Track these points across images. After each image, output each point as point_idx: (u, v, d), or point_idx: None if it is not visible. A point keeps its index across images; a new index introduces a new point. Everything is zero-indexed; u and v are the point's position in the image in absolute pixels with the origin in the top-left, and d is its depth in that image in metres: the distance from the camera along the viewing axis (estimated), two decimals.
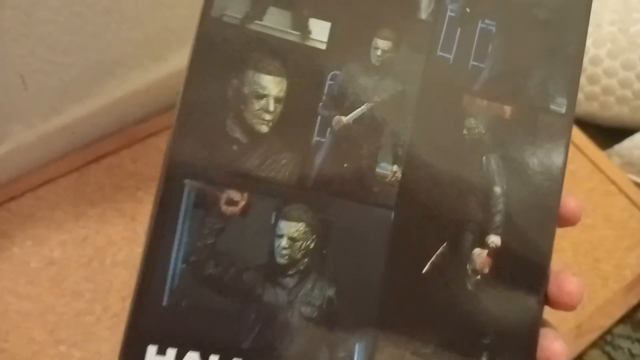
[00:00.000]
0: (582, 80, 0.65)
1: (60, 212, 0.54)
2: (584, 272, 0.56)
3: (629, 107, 0.65)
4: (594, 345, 0.55)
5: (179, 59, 0.60)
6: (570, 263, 0.56)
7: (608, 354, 0.55)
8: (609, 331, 0.56)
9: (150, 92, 0.60)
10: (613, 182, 0.62)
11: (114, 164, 0.57)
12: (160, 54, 0.58)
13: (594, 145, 0.64)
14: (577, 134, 0.64)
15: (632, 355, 0.56)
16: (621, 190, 0.61)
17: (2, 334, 0.49)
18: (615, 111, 0.65)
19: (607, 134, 0.67)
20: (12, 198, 0.55)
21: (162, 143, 0.59)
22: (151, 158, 0.58)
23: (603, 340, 0.56)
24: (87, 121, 0.57)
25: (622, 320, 0.56)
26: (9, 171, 0.56)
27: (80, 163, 0.57)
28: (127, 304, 0.51)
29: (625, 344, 0.56)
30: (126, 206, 0.55)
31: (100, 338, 0.49)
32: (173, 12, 0.56)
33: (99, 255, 0.53)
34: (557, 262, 0.26)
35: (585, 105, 0.66)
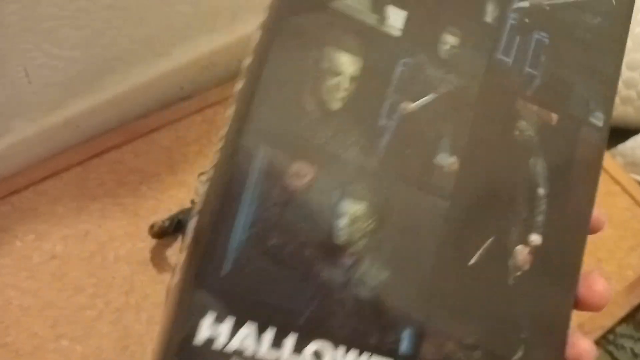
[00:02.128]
0: None
1: (62, 207, 0.54)
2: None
3: (633, 107, 0.64)
4: (596, 344, 0.55)
5: (182, 55, 0.60)
6: None
7: (611, 354, 0.55)
8: (611, 331, 0.56)
9: (153, 88, 0.60)
10: (617, 182, 0.62)
11: (116, 159, 0.57)
12: (163, 49, 0.58)
13: None
14: None
15: (635, 354, 0.56)
16: (624, 190, 0.61)
17: (3, 329, 0.49)
18: (619, 111, 0.65)
19: (611, 134, 0.66)
20: (14, 192, 0.55)
21: (164, 138, 0.59)
22: (153, 153, 0.58)
23: (606, 340, 0.56)
24: (90, 116, 0.57)
25: (625, 319, 0.56)
26: (11, 165, 0.56)
27: (82, 158, 0.57)
28: (129, 299, 0.51)
29: (628, 343, 0.56)
30: (128, 201, 0.55)
31: (101, 333, 0.49)
32: (176, 9, 0.56)
33: (100, 250, 0.53)
34: (586, 266, 0.27)
35: None
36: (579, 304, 0.27)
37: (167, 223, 0.53)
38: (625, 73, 0.63)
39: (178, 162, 0.58)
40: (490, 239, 0.26)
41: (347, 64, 0.25)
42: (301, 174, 0.24)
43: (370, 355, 0.24)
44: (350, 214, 0.24)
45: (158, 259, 0.53)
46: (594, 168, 0.27)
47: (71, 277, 0.51)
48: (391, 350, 0.24)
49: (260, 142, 0.24)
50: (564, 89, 0.28)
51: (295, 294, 0.24)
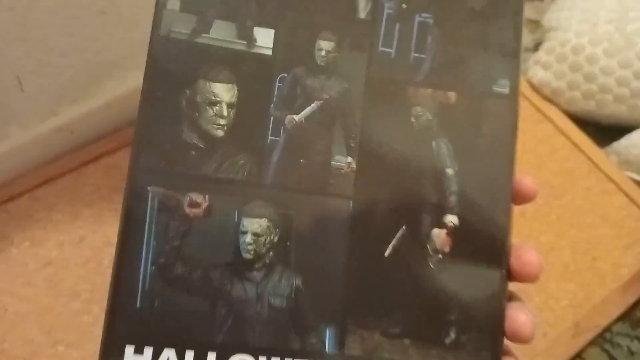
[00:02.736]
0: (579, 78, 0.65)
1: (58, 213, 0.55)
2: (582, 271, 0.56)
3: (626, 106, 0.65)
4: (593, 343, 0.55)
5: None
6: (568, 261, 0.56)
7: (607, 352, 0.55)
8: (608, 329, 0.56)
9: None
10: (611, 180, 0.62)
11: (111, 165, 0.57)
12: None
13: (592, 143, 0.64)
14: (575, 132, 0.64)
15: (632, 352, 0.56)
16: (619, 188, 0.61)
17: (0, 335, 0.49)
18: (612, 109, 0.65)
19: (605, 132, 0.67)
20: (10, 199, 0.55)
21: None
22: None
23: (602, 338, 0.56)
24: (84, 122, 0.57)
25: (621, 318, 0.56)
26: (7, 172, 0.56)
27: (77, 164, 0.57)
28: None
29: (624, 341, 0.56)
30: None
31: (98, 338, 0.49)
32: None
33: (96, 256, 0.53)
34: (517, 239, 0.27)
35: (583, 104, 0.66)
36: (514, 276, 0.26)
37: None
38: (618, 71, 0.63)
39: None
40: (402, 229, 0.26)
41: (223, 92, 0.26)
42: (196, 204, 0.25)
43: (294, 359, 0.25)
44: (252, 230, 0.25)
45: None
46: (507, 136, 0.27)
47: (67, 283, 0.51)
48: (315, 352, 0.25)
49: (148, 182, 0.25)
50: (458, 65, 0.27)
51: (209, 316, 0.25)
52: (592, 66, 0.63)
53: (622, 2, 0.63)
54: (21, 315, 0.50)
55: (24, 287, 0.51)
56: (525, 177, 0.27)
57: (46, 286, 0.51)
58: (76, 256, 0.53)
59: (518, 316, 0.26)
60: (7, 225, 0.54)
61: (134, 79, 0.58)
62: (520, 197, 0.27)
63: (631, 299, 0.56)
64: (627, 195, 0.61)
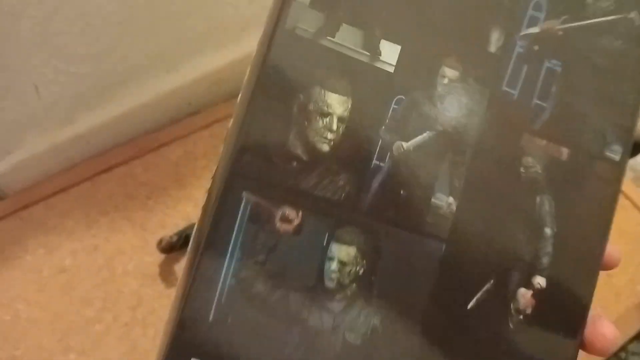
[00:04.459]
0: None
1: (72, 221, 0.55)
2: (597, 287, 0.55)
3: None
4: None
5: (191, 70, 0.60)
6: None
7: None
8: (623, 348, 0.55)
9: (163, 103, 0.60)
10: (627, 197, 0.61)
11: (125, 174, 0.58)
12: (173, 65, 0.59)
13: None
14: None
15: None
16: (635, 205, 0.61)
17: (12, 341, 0.49)
18: None
19: None
20: (25, 206, 0.55)
21: (172, 153, 0.59)
22: (162, 168, 0.58)
23: (617, 357, 0.55)
24: (100, 131, 0.58)
25: (637, 337, 0.55)
26: (22, 180, 0.56)
27: (92, 172, 0.57)
28: (136, 314, 0.51)
29: None
30: (137, 215, 0.56)
31: (109, 346, 0.50)
32: (185, 24, 0.56)
33: (109, 264, 0.53)
34: (595, 307, 0.26)
35: None
36: (584, 346, 0.26)
37: (175, 238, 0.53)
38: None
39: (186, 177, 0.58)
40: (490, 282, 0.25)
41: (337, 104, 0.24)
42: (288, 219, 0.24)
43: None
44: (340, 258, 0.24)
45: (166, 274, 0.53)
46: (609, 204, 0.26)
47: (80, 291, 0.52)
48: None
49: (243, 189, 0.24)
50: (576, 121, 0.26)
51: (281, 341, 0.23)
52: None
53: None
54: (33, 321, 0.50)
55: (37, 294, 0.51)
56: (613, 246, 0.26)
57: (59, 293, 0.51)
58: (89, 264, 0.53)
59: (604, 326, 0.25)
60: (22, 232, 0.54)
61: (150, 89, 0.59)
62: (604, 265, 0.26)
63: None
64: None
